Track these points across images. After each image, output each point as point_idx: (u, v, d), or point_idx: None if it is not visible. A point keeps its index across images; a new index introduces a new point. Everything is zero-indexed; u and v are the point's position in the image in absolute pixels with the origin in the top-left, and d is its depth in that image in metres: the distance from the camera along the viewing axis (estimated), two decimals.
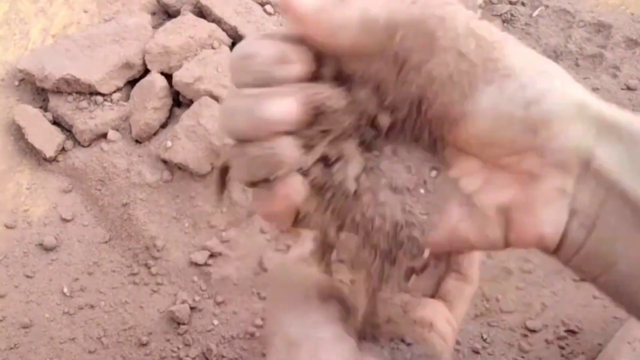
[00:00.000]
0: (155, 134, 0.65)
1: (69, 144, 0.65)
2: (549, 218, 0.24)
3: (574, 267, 0.25)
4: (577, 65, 0.72)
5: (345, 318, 0.28)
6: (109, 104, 0.66)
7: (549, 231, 0.24)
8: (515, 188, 0.24)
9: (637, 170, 0.23)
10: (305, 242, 0.31)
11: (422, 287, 0.32)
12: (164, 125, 0.66)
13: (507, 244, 0.25)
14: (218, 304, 0.60)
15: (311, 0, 0.23)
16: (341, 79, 0.24)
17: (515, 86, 0.22)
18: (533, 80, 0.23)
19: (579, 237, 0.24)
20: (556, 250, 0.25)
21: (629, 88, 0.69)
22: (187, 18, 0.68)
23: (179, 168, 0.63)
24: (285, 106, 0.23)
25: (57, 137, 0.65)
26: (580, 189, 0.23)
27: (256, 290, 0.60)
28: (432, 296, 0.33)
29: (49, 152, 0.64)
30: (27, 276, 0.59)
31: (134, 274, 0.60)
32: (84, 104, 0.66)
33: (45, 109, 0.67)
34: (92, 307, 0.58)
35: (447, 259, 0.32)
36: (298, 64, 0.23)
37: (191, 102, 0.64)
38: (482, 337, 0.57)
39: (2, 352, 0.55)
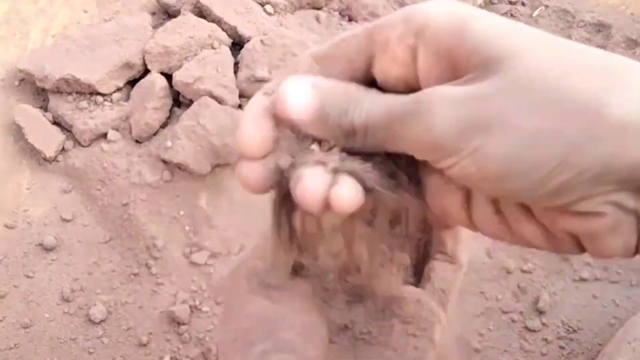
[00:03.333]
0: (155, 134, 0.65)
1: (69, 144, 0.65)
2: (617, 245, 0.21)
3: None
4: None
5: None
6: (109, 104, 0.66)
7: (622, 253, 0.22)
8: (574, 222, 0.22)
9: None
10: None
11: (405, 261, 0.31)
12: (164, 125, 0.66)
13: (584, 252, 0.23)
14: (218, 304, 0.59)
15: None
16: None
17: None
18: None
19: None
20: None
21: None
22: (187, 18, 0.68)
23: (179, 168, 0.63)
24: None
25: (57, 137, 0.65)
26: None
27: None
28: (419, 280, 0.32)
29: (49, 152, 0.64)
30: (27, 276, 0.59)
31: (134, 274, 0.60)
32: (84, 104, 0.66)
33: (45, 109, 0.67)
34: (92, 307, 0.58)
35: (430, 234, 0.30)
36: None
37: (191, 102, 0.64)
38: (482, 336, 0.57)
39: (2, 352, 0.55)
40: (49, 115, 0.66)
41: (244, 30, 0.68)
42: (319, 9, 0.76)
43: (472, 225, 0.25)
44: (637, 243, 0.21)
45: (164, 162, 0.63)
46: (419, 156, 0.21)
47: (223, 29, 0.69)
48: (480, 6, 0.77)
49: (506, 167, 0.20)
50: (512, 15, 0.76)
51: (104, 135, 0.65)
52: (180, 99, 0.66)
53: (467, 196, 0.24)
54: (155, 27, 0.70)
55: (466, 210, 0.24)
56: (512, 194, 0.21)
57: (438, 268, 0.31)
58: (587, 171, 0.19)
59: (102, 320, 0.58)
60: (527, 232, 0.23)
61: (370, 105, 0.21)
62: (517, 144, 0.19)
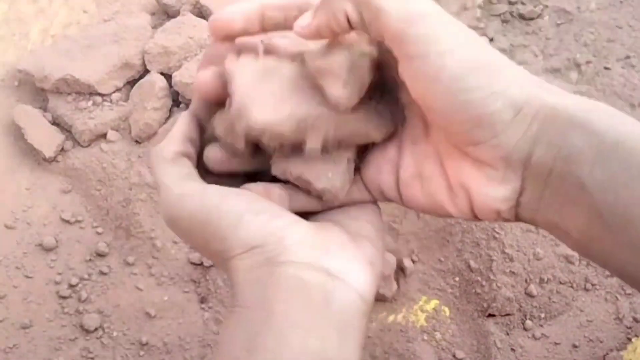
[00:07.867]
0: (155, 134, 0.65)
1: (68, 144, 0.65)
2: (499, 195, 0.28)
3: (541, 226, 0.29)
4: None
5: None
6: (109, 104, 0.66)
7: (502, 205, 0.28)
8: (474, 171, 0.28)
9: (572, 155, 0.26)
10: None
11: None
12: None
13: (474, 216, 0.29)
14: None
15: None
16: None
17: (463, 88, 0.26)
18: (478, 80, 0.26)
19: (529, 213, 0.28)
20: (516, 218, 0.28)
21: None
22: (187, 18, 0.68)
23: None
24: None
25: (56, 137, 0.65)
26: (525, 180, 0.27)
27: None
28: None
29: (49, 153, 0.64)
30: (27, 276, 0.59)
31: (134, 274, 0.60)
32: (83, 104, 0.66)
33: (44, 109, 0.67)
34: (91, 307, 0.58)
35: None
36: None
37: (190, 102, 0.63)
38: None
39: (1, 353, 0.55)
40: (49, 115, 0.66)
41: None
42: None
43: (400, 199, 0.31)
44: (517, 201, 0.28)
45: None
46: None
47: None
48: (479, 6, 0.77)
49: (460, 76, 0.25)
50: (511, 15, 0.76)
51: (104, 136, 0.65)
52: (180, 99, 0.66)
53: (398, 176, 0.31)
54: (155, 27, 0.70)
55: (396, 187, 0.31)
56: (459, 108, 0.26)
57: None
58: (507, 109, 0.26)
59: (102, 321, 0.58)
60: (438, 187, 0.30)
61: None
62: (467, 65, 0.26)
